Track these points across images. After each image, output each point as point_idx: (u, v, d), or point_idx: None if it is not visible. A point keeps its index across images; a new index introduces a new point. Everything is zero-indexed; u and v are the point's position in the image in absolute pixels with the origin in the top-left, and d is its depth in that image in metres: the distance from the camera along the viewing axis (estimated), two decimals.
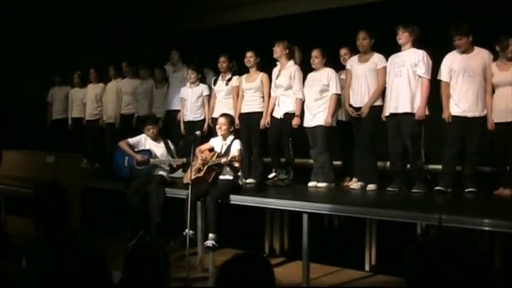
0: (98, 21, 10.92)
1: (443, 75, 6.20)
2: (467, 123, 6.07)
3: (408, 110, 6.18)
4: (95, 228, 6.52)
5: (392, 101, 6.28)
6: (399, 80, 6.22)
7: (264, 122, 7.18)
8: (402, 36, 6.26)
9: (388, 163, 6.77)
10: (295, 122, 6.85)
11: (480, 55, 6.08)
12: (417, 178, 6.25)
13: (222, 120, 6.56)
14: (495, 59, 6.06)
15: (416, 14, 7.35)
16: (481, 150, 6.14)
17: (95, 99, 9.57)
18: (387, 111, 6.37)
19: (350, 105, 6.67)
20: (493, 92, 6.03)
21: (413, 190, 6.20)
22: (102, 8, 10.61)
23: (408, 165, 6.40)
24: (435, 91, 6.27)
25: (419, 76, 6.18)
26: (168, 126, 8.36)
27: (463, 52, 6.09)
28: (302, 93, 6.89)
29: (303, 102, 6.90)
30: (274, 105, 7.12)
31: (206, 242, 5.98)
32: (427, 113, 6.20)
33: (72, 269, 2.34)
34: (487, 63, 6.05)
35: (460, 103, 6.09)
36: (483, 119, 6.06)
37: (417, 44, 6.27)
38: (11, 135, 9.00)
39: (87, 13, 10.58)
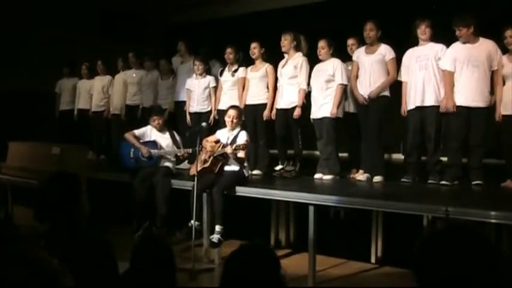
0: (106, 12, 10.92)
1: (447, 64, 6.14)
2: (471, 113, 6.02)
3: (434, 103, 6.17)
4: (101, 220, 6.52)
5: (417, 95, 6.25)
6: (425, 73, 6.21)
7: (268, 113, 7.15)
8: (426, 31, 6.23)
9: (394, 155, 6.73)
10: (296, 113, 6.82)
11: (485, 45, 6.03)
12: (433, 170, 6.24)
13: (232, 112, 6.47)
14: (503, 51, 6.01)
15: (426, 5, 7.32)
16: (487, 142, 6.10)
17: (101, 91, 9.58)
18: (409, 106, 6.35)
19: None
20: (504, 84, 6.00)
21: (429, 181, 6.21)
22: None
23: (424, 158, 6.38)
24: None
25: (442, 69, 6.16)
26: (175, 117, 8.35)
27: (466, 42, 6.04)
28: (307, 84, 6.85)
29: (307, 94, 6.87)
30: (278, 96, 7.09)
31: (211, 237, 5.96)
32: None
33: (77, 260, 2.34)
34: (492, 54, 6.00)
35: (464, 93, 6.03)
36: (487, 110, 6.02)
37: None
38: (17, 126, 9.02)
39: (95, 4, 10.60)
